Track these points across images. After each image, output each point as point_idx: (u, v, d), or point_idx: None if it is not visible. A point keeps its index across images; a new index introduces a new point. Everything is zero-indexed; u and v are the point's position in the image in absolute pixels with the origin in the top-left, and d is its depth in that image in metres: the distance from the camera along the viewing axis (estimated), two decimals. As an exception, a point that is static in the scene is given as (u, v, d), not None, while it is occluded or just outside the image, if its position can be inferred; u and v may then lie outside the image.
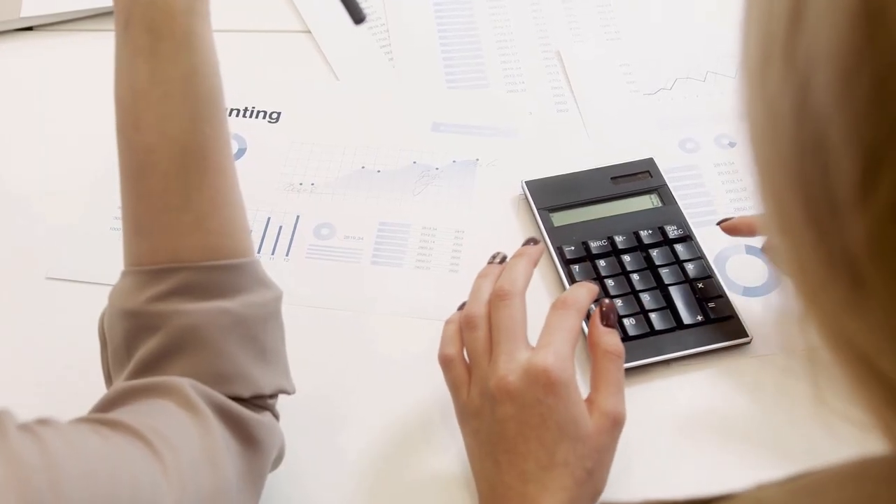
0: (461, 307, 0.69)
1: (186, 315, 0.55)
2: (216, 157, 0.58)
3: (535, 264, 0.68)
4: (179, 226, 0.57)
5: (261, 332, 0.58)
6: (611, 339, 0.63)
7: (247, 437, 0.56)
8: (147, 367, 0.56)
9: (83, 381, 0.72)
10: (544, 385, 0.59)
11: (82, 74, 0.99)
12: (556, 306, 0.64)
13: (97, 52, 1.00)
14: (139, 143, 0.57)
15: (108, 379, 0.61)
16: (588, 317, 0.67)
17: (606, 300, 0.65)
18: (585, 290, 0.65)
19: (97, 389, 0.65)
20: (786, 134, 0.28)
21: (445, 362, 0.65)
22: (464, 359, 0.65)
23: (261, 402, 0.58)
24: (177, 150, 0.56)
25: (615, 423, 0.61)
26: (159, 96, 0.56)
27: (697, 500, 0.38)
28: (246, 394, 0.57)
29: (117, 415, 0.51)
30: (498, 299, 0.64)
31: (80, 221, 0.84)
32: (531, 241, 0.70)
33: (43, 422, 0.46)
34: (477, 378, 0.63)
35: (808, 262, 0.30)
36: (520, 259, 0.67)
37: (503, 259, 0.69)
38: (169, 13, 0.56)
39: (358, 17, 0.62)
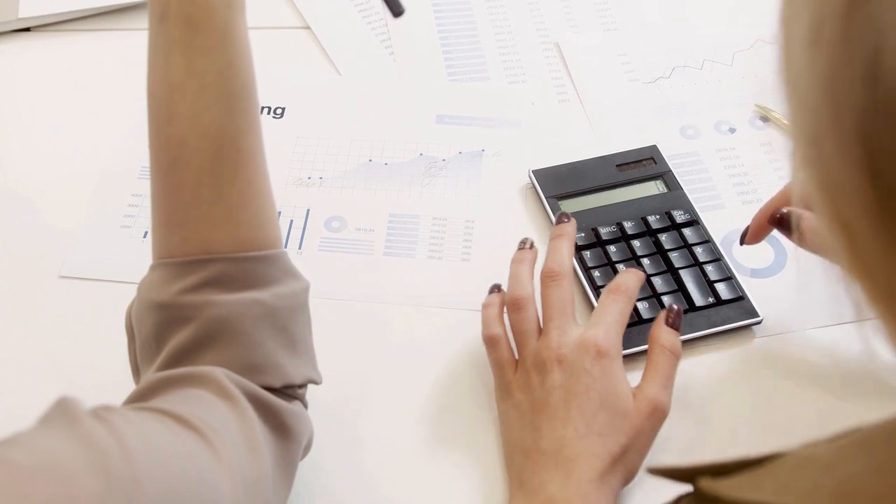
0: (493, 290, 0.72)
1: (219, 306, 0.56)
2: (249, 149, 0.58)
3: (574, 241, 0.72)
4: (212, 218, 0.57)
5: (291, 322, 0.59)
6: (670, 337, 0.67)
7: (279, 426, 0.57)
8: (179, 359, 0.56)
9: (100, 377, 0.73)
10: (593, 355, 0.64)
11: (81, 74, 0.99)
12: (610, 291, 0.69)
13: (96, 52, 1.01)
14: (173, 136, 0.57)
15: (136, 372, 0.61)
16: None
17: (675, 306, 0.68)
18: (634, 277, 0.70)
19: (114, 386, 0.66)
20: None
21: (492, 342, 0.69)
22: (508, 339, 0.69)
23: (291, 391, 0.59)
24: (211, 143, 0.57)
25: (655, 410, 0.64)
26: (195, 90, 0.57)
27: (746, 459, 0.39)
28: (277, 384, 0.57)
29: (160, 404, 0.52)
30: (549, 279, 0.69)
31: (90, 220, 0.84)
32: (563, 218, 0.74)
33: (107, 408, 0.47)
34: (526, 354, 0.67)
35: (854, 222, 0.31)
36: (562, 240, 0.71)
37: (532, 244, 0.73)
38: (208, 7, 0.57)
39: (397, 10, 0.63)
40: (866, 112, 0.29)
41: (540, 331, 0.68)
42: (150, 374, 0.56)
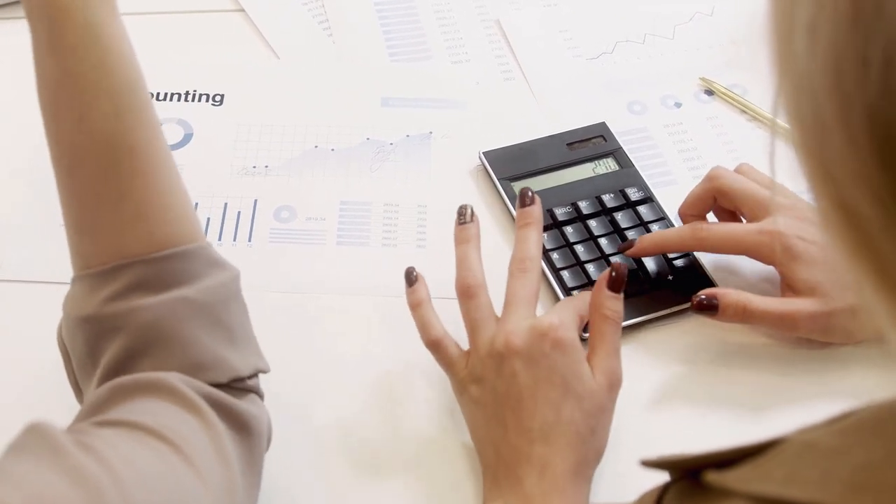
0: (411, 279, 0.69)
1: (145, 310, 0.54)
2: (144, 146, 0.56)
3: (542, 225, 0.69)
4: (119, 220, 0.55)
5: (224, 314, 0.57)
6: (612, 303, 0.64)
7: (240, 426, 0.55)
8: (117, 371, 0.54)
9: (42, 385, 0.69)
10: (551, 340, 0.62)
11: (3, 65, 0.94)
12: (563, 300, 0.67)
13: (19, 41, 0.96)
14: (63, 138, 0.55)
15: (77, 391, 0.59)
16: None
17: (621, 263, 0.65)
18: (588, 294, 0.67)
19: (57, 394, 0.63)
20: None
21: (435, 345, 0.66)
22: (450, 335, 0.66)
23: (241, 384, 0.57)
24: (101, 143, 0.55)
25: (611, 385, 0.63)
26: (73, 91, 0.54)
27: (744, 448, 0.39)
28: (224, 379, 0.55)
29: (123, 415, 0.49)
30: (518, 271, 0.66)
31: (26, 219, 0.80)
32: (527, 194, 0.70)
33: (84, 431, 0.44)
34: (480, 343, 0.64)
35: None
36: (530, 229, 0.68)
37: (472, 213, 0.70)
38: (62, 7, 0.54)
39: None
40: (881, 98, 0.28)
41: (495, 318, 0.65)
42: (100, 387, 0.53)
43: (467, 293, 0.66)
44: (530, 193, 0.70)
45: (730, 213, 0.76)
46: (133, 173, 0.55)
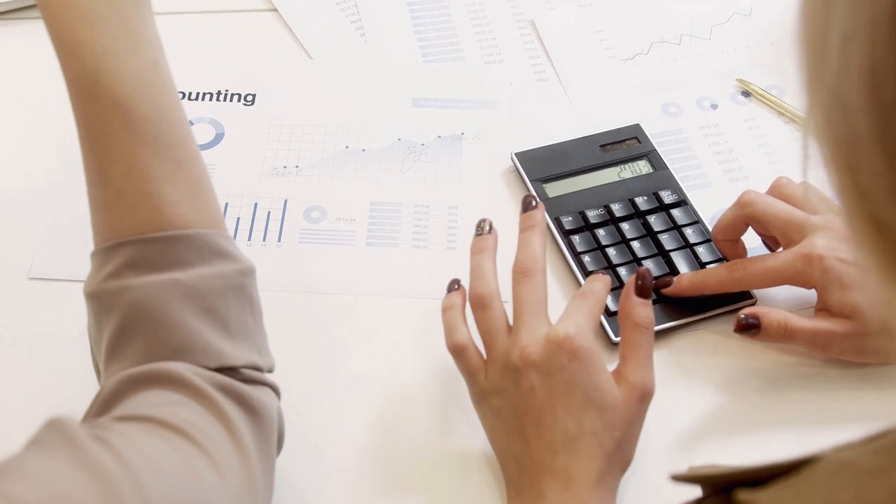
0: (452, 287, 0.68)
1: (134, 289, 0.54)
2: (114, 134, 0.55)
3: (546, 230, 0.67)
4: (106, 200, 0.56)
5: (220, 304, 0.56)
6: (642, 310, 0.63)
7: (250, 410, 0.55)
8: (114, 351, 0.54)
9: (74, 382, 0.69)
10: (568, 351, 0.59)
11: (40, 64, 0.94)
12: (576, 296, 0.65)
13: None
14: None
15: (96, 368, 0.59)
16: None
17: (645, 268, 0.64)
18: (601, 283, 0.65)
19: (88, 391, 0.63)
20: None
21: (457, 351, 0.64)
22: (475, 343, 0.65)
23: (235, 374, 0.55)
24: (81, 128, 0.56)
25: (643, 396, 0.61)
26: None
27: (779, 465, 0.38)
28: (213, 364, 0.54)
29: (137, 409, 0.49)
30: (521, 275, 0.64)
31: (58, 218, 0.80)
32: (530, 202, 0.68)
33: (102, 426, 0.44)
34: (496, 355, 0.63)
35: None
36: (532, 232, 0.66)
37: (490, 226, 0.68)
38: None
39: None
40: None
41: (508, 328, 0.63)
42: (115, 376, 0.53)
43: (480, 303, 0.64)
44: (534, 202, 0.68)
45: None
46: (109, 158, 0.55)
